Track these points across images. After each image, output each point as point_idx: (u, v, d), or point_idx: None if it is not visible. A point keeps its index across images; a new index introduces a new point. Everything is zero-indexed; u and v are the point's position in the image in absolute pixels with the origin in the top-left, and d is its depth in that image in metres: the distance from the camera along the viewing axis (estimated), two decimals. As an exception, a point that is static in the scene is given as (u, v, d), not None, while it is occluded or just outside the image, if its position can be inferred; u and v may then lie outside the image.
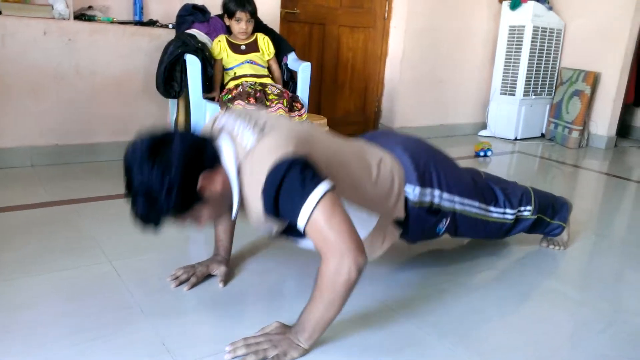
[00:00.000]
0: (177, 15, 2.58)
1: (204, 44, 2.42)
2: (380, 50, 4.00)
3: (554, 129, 4.41)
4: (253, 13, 2.48)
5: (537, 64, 4.28)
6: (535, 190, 1.83)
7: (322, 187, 1.11)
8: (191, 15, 2.55)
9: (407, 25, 3.88)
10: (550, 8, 4.29)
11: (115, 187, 2.34)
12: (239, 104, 2.16)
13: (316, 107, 3.72)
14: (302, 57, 2.75)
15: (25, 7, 2.53)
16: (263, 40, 2.55)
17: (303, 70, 2.48)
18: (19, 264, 1.55)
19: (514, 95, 4.31)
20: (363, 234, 1.36)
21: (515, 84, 4.29)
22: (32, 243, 1.71)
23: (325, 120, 3.22)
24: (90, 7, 2.72)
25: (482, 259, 1.86)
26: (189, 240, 1.91)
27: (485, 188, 1.68)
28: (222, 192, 1.18)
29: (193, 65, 2.23)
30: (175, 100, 2.48)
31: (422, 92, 4.15)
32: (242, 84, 2.32)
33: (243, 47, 2.50)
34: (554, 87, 4.49)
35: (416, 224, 1.49)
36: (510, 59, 4.30)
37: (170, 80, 2.34)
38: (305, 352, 1.18)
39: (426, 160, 1.51)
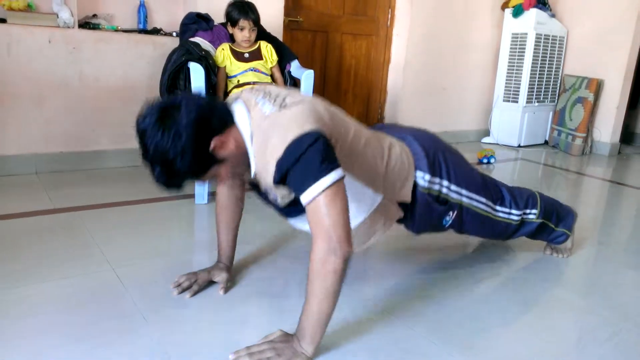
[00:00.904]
0: (180, 23, 2.60)
1: (207, 52, 2.43)
2: (383, 57, 4.01)
3: (557, 136, 4.41)
4: (256, 21, 2.49)
5: (539, 71, 4.29)
6: (542, 195, 1.83)
7: (334, 174, 1.12)
8: (195, 23, 2.56)
9: (410, 33, 3.89)
10: (553, 15, 4.30)
11: (119, 194, 2.37)
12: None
13: (319, 114, 3.72)
14: (305, 64, 2.75)
15: (31, 15, 2.55)
16: (266, 48, 2.56)
17: (306, 78, 2.49)
18: (22, 272, 1.55)
19: (516, 102, 4.32)
20: (366, 210, 1.39)
21: (518, 91, 4.30)
22: (35, 250, 1.72)
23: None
24: (94, 16, 2.74)
25: (486, 265, 1.85)
26: (191, 247, 1.92)
27: (492, 186, 1.69)
28: (236, 152, 1.20)
29: (197, 73, 2.24)
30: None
31: (425, 99, 4.16)
32: (245, 92, 2.33)
33: (246, 55, 2.50)
34: (557, 94, 4.49)
35: (423, 211, 1.48)
36: (513, 66, 4.31)
37: (173, 89, 2.34)
38: (309, 359, 1.18)
39: (435, 151, 1.52)
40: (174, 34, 2.92)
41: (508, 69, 4.33)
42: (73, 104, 2.69)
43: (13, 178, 2.53)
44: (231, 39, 2.58)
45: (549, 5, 4.29)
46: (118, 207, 2.21)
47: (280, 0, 3.18)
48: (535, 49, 4.18)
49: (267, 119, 1.18)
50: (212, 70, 2.38)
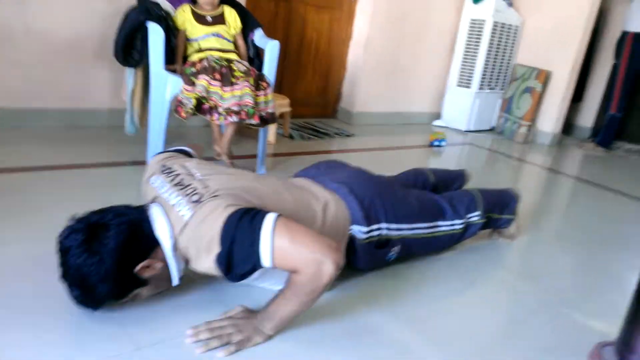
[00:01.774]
0: (139, -21, 2.45)
1: (167, 13, 2.32)
2: (345, 33, 3.98)
3: (503, 123, 4.59)
4: (221, -16, 2.39)
5: (494, 58, 4.41)
6: (483, 192, 1.87)
7: (269, 218, 1.11)
8: (155, -19, 2.42)
9: (374, 10, 3.87)
10: (511, 4, 4.41)
11: (64, 157, 2.24)
12: (203, 79, 2.09)
13: (277, 86, 3.65)
14: (267, 34, 2.68)
15: (-31, -46, 2.32)
16: (230, 14, 2.47)
17: (271, 49, 2.43)
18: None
19: (469, 87, 4.43)
20: None
21: (472, 77, 4.41)
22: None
23: (287, 101, 3.20)
24: (42, -37, 2.53)
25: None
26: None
27: (430, 206, 1.69)
28: (160, 272, 1.19)
29: (156, 34, 2.13)
30: (133, 70, 2.36)
31: (383, 79, 4.18)
32: (206, 58, 2.24)
33: (209, 19, 2.41)
34: (507, 82, 4.65)
35: (366, 258, 1.51)
36: (469, 51, 4.40)
37: (129, 49, 2.22)
38: (269, 338, 1.19)
39: (371, 197, 1.52)
40: (130, -11, 2.75)
41: (464, 54, 4.43)
42: (17, 58, 2.49)
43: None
44: (192, 0, 2.47)
45: (507, -5, 4.40)
46: (63, 170, 2.10)
47: (244, -36, 3.07)
48: (491, 36, 4.28)
49: (187, 227, 1.16)
50: (171, 32, 2.27)
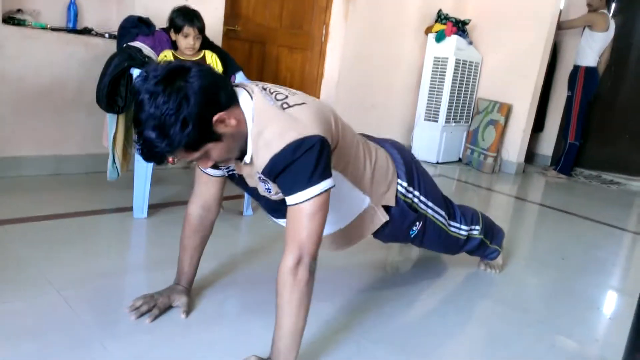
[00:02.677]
0: (120, 26, 2.46)
1: (149, 58, 2.33)
2: (317, 72, 4.08)
3: (470, 155, 4.76)
4: (201, 29, 2.43)
5: (457, 93, 4.61)
6: (482, 213, 1.98)
7: (324, 184, 1.15)
8: (136, 27, 2.44)
9: (343, 50, 4.00)
10: (471, 42, 4.66)
11: (45, 207, 2.18)
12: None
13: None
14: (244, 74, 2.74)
15: (-58, 4, 2.28)
16: (211, 58, 2.51)
17: (253, 92, 2.48)
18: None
19: (436, 121, 4.60)
20: (355, 213, 1.46)
21: (438, 111, 4.58)
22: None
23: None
24: (19, 11, 2.51)
25: (427, 280, 1.96)
26: (136, 266, 1.83)
27: (447, 201, 1.81)
28: (236, 132, 1.16)
29: (141, 81, 2.15)
30: (114, 116, 2.35)
31: (355, 115, 4.26)
32: (191, 103, 2.27)
33: (190, 65, 2.44)
34: (471, 116, 4.86)
35: (399, 217, 1.55)
36: (434, 87, 4.59)
37: (113, 95, 2.21)
38: None
39: (410, 161, 1.61)
40: (107, 35, 2.76)
41: (430, 90, 4.61)
42: (-10, 104, 2.44)
43: None
44: (173, 45, 2.49)
45: (467, 33, 4.64)
46: (46, 221, 2.04)
47: (220, 8, 3.13)
48: (454, 72, 4.49)
49: (270, 109, 1.17)
50: (155, 78, 2.28)
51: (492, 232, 2.00)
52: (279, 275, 1.15)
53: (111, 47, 2.61)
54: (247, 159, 1.21)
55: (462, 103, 4.72)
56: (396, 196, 1.52)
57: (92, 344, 1.27)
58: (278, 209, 1.33)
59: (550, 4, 4.36)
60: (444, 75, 4.51)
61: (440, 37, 4.47)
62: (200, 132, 1.09)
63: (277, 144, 1.12)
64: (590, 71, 4.46)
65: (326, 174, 1.16)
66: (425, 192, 1.62)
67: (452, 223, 1.78)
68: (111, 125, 2.39)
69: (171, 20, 2.41)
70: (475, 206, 2.07)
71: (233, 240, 2.18)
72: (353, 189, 1.41)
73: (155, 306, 1.42)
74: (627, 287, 2.30)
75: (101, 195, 2.43)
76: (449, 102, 4.55)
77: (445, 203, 1.77)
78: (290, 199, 1.15)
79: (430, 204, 1.65)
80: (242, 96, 1.20)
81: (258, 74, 3.65)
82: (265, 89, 1.24)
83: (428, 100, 4.62)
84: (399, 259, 2.23)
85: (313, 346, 1.38)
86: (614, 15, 4.67)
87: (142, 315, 1.40)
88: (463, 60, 4.55)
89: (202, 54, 2.50)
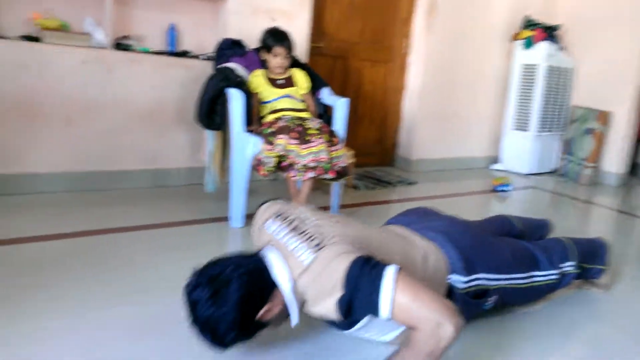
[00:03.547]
0: (217, 48, 2.63)
1: (242, 78, 2.46)
2: (399, 83, 4.08)
3: (566, 165, 4.49)
4: (290, 49, 2.53)
5: (549, 101, 4.38)
6: (575, 241, 1.81)
7: (390, 271, 1.15)
8: (230, 49, 2.60)
9: (426, 61, 3.97)
10: (562, 48, 4.42)
11: (151, 217, 2.35)
12: (281, 138, 2.18)
13: (337, 138, 3.76)
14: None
15: (65, 35, 2.56)
16: (300, 76, 2.60)
17: (341, 106, 2.53)
18: (73, 298, 1.54)
19: (527, 130, 4.40)
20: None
21: (529, 120, 4.38)
22: (74, 275, 1.70)
23: (353, 152, 3.27)
24: (126, 37, 2.76)
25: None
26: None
27: (524, 255, 1.66)
28: (279, 313, 1.25)
29: (237, 99, 2.27)
30: (213, 132, 2.50)
31: (438, 126, 4.22)
32: (281, 118, 2.36)
33: (280, 82, 2.54)
34: (566, 124, 4.59)
35: (462, 308, 1.46)
36: (524, 95, 4.40)
37: (212, 113, 2.36)
38: None
39: (469, 247, 1.52)
40: (201, 57, 2.94)
41: (519, 98, 4.43)
42: (104, 124, 2.69)
43: (44, 196, 2.51)
44: (263, 65, 2.61)
45: (557, 38, 4.41)
46: (152, 230, 2.21)
47: (306, 27, 3.24)
48: (545, 79, 4.28)
49: (308, 270, 1.22)
50: (248, 95, 2.40)
51: (591, 254, 1.85)
52: (414, 337, 1.14)
53: (207, 68, 2.79)
54: (293, 323, 1.27)
55: (556, 111, 4.47)
56: (454, 293, 1.46)
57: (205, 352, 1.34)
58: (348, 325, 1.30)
59: (652, 2, 4.05)
60: (533, 83, 4.31)
61: (528, 43, 4.29)
62: (247, 330, 1.23)
63: (334, 292, 1.17)
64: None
65: (382, 266, 1.17)
66: (492, 269, 1.52)
67: (537, 274, 1.65)
68: (210, 141, 2.55)
69: (263, 40, 2.53)
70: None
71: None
72: None
73: None
74: None
75: (200, 206, 2.58)
76: (541, 110, 4.33)
77: (520, 262, 1.62)
78: (383, 312, 1.14)
79: (502, 276, 1.55)
80: (277, 267, 1.26)
81: (341, 88, 3.71)
82: (298, 232, 1.31)
83: (517, 108, 4.44)
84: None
85: None
86: None
87: None
88: (554, 67, 4.32)
89: (290, 72, 2.59)
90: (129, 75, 2.71)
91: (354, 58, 3.77)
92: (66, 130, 2.59)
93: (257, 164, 2.26)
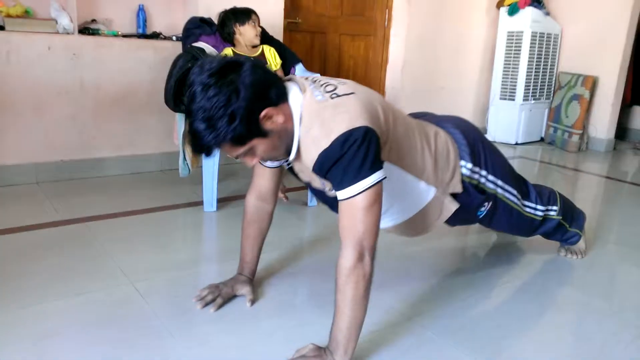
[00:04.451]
0: (184, 28, 2.56)
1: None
2: (381, 57, 4.00)
3: (553, 133, 4.45)
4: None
5: (535, 68, 4.31)
6: (559, 193, 1.84)
7: (376, 176, 1.12)
8: (198, 28, 2.53)
9: (408, 33, 3.89)
10: (548, 13, 4.33)
11: (124, 204, 2.32)
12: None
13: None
14: (305, 66, 2.74)
15: (29, 22, 2.50)
16: (270, 52, 2.54)
17: (313, 82, 2.47)
18: (35, 289, 1.51)
19: (513, 100, 4.34)
20: (420, 204, 1.41)
21: (515, 89, 4.32)
22: (45, 265, 1.68)
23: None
24: (93, 21, 2.69)
25: (500, 268, 1.86)
26: (205, 258, 1.90)
27: (520, 179, 1.70)
28: (282, 129, 1.15)
29: (203, 79, 2.21)
30: (183, 115, 2.45)
31: (423, 99, 4.16)
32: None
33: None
34: (552, 92, 4.53)
35: (466, 201, 1.47)
36: (509, 64, 4.33)
37: (180, 95, 2.31)
38: None
39: (475, 139, 1.51)
40: (174, 37, 2.88)
41: (504, 67, 4.36)
42: (73, 111, 2.64)
43: (14, 188, 2.48)
44: (232, 44, 2.54)
45: (543, 4, 4.32)
46: (125, 217, 2.18)
47: (280, 2, 3.16)
48: (531, 46, 4.20)
49: (318, 105, 1.15)
50: (217, 75, 2.34)
51: (571, 214, 1.86)
52: (339, 272, 1.12)
53: (178, 49, 2.72)
54: (291, 157, 1.21)
55: (542, 79, 4.41)
56: (462, 180, 1.45)
57: (161, 332, 1.33)
58: (335, 205, 1.31)
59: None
60: (520, 50, 4.24)
61: (513, 9, 4.20)
62: (247, 126, 1.09)
63: (324, 141, 1.10)
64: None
65: (376, 166, 1.12)
66: (494, 170, 1.52)
67: (526, 202, 1.67)
68: (180, 124, 2.49)
69: (234, 15, 2.42)
70: (561, 188, 1.93)
71: (297, 230, 2.20)
72: (415, 180, 1.35)
73: (219, 296, 1.46)
74: None
75: (174, 191, 2.55)
76: (527, 79, 4.27)
77: (517, 181, 1.66)
78: (341, 194, 1.12)
79: (499, 182, 1.55)
80: (293, 92, 1.19)
81: (321, 64, 3.64)
82: (315, 81, 1.23)
83: (503, 78, 4.38)
84: (473, 245, 2.13)
85: (372, 335, 1.35)
86: None
87: (207, 304, 1.45)
88: (540, 33, 4.24)
89: (260, 49, 2.53)
90: (98, 60, 2.65)
91: (333, 33, 3.69)
92: (35, 120, 2.54)
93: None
